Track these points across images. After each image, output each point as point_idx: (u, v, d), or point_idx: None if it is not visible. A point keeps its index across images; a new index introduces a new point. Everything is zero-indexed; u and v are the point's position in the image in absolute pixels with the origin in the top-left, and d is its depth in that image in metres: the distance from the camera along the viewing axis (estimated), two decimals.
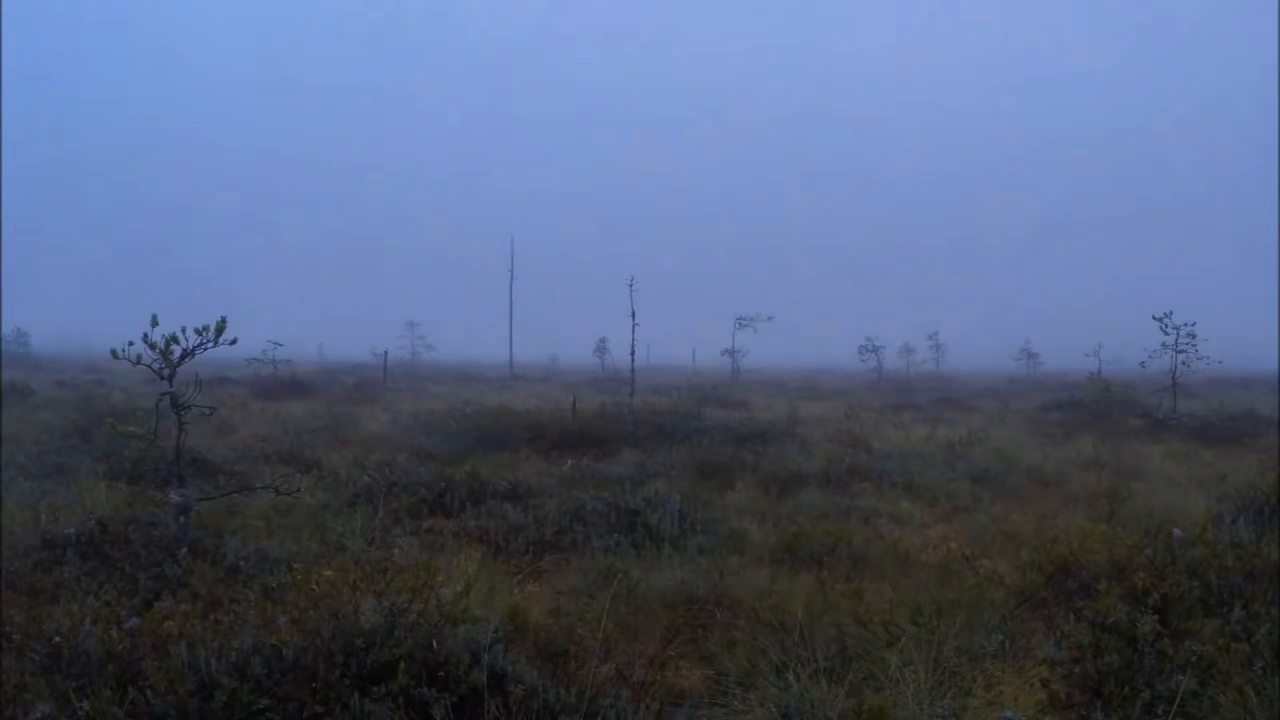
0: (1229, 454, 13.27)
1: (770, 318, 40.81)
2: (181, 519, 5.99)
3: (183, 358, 6.18)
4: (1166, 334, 20.27)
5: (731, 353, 49.47)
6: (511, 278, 51.11)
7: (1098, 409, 19.53)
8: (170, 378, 6.19)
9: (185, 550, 5.70)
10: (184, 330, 6.13)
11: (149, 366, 6.13)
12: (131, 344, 6.08)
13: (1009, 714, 3.90)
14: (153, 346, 6.07)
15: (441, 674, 3.74)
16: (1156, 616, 4.32)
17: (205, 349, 6.20)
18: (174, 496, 6.11)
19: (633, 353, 22.58)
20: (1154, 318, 20.21)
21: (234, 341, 6.28)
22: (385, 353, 38.86)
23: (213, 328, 6.13)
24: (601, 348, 55.02)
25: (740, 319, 43.87)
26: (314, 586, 4.26)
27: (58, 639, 3.91)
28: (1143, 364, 21.51)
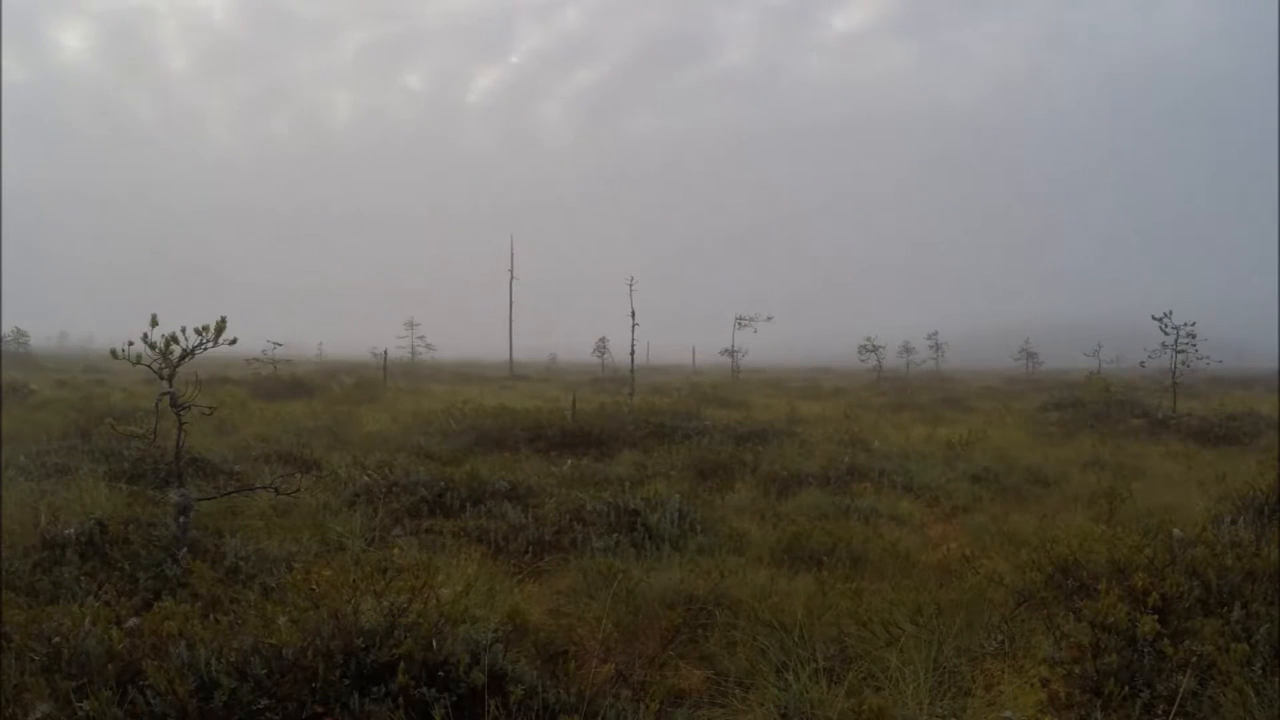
0: (1229, 454, 13.25)
1: (770, 318, 41.00)
2: (181, 519, 5.99)
3: (182, 358, 6.17)
4: (1166, 334, 20.28)
5: (731, 352, 49.53)
6: (511, 277, 51.19)
7: (1098, 409, 19.51)
8: (170, 378, 6.18)
9: (185, 550, 5.70)
10: (184, 330, 6.12)
11: (149, 366, 6.12)
12: (131, 344, 6.07)
13: (1009, 714, 3.90)
14: (152, 346, 6.05)
15: (441, 674, 3.75)
16: (1156, 616, 4.32)
17: (205, 349, 6.18)
18: (174, 496, 6.10)
19: (632, 352, 22.60)
20: (1154, 317, 20.22)
21: (234, 341, 6.27)
22: (385, 352, 38.91)
23: (213, 328, 6.12)
24: (601, 347, 55.06)
25: (740, 318, 44.05)
26: (314, 586, 4.26)
27: (58, 639, 3.91)
28: (1143, 364, 21.55)
